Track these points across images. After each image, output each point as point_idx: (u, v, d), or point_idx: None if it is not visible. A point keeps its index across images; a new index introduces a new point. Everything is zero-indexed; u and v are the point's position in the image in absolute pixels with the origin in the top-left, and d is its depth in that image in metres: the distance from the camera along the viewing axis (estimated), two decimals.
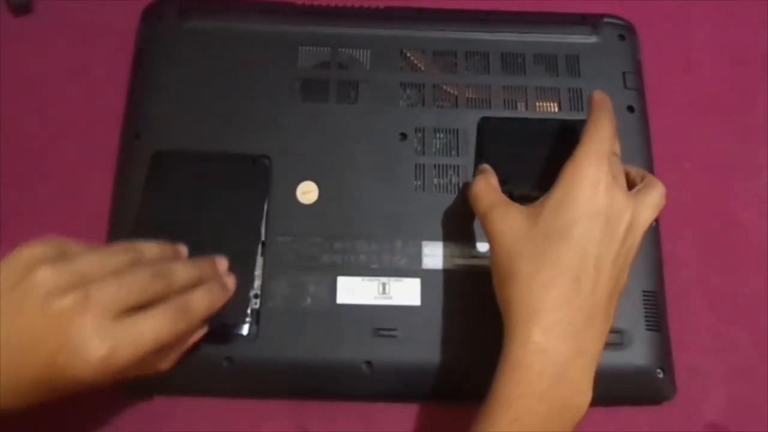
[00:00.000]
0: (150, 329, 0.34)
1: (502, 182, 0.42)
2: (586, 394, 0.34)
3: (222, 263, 0.41)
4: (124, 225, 0.43)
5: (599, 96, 0.41)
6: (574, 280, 0.35)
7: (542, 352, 0.34)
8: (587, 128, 0.38)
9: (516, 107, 0.48)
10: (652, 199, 0.38)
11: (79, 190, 0.47)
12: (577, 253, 0.35)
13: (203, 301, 0.37)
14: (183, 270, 0.37)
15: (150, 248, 0.38)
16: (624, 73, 0.49)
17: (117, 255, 0.35)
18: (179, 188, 0.44)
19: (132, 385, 0.40)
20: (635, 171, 0.41)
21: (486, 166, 0.43)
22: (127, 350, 0.32)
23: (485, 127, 0.46)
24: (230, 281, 0.40)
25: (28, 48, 0.51)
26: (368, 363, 0.41)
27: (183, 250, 0.40)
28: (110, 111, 0.48)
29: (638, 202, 0.37)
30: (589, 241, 0.35)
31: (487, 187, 0.40)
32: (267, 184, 0.44)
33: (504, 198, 0.40)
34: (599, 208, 0.36)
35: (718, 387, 0.45)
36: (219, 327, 0.40)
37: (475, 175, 0.43)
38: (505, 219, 0.38)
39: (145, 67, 0.48)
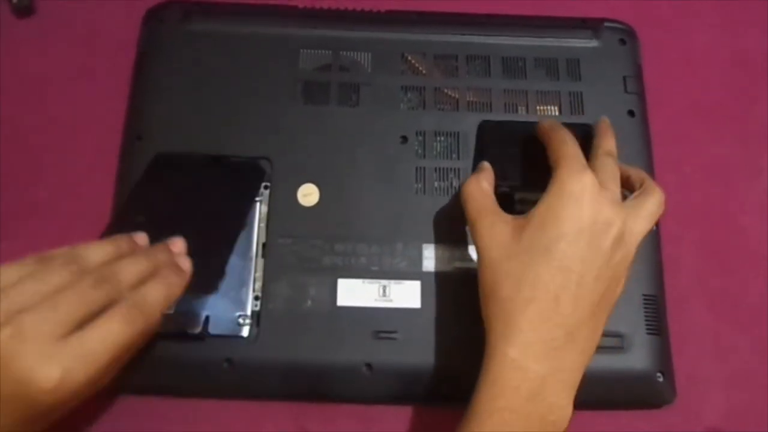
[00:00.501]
0: (102, 338, 0.32)
1: (502, 178, 0.42)
2: (565, 410, 0.35)
3: (177, 244, 0.38)
4: None
5: (545, 123, 0.41)
6: (554, 299, 0.35)
7: (519, 369, 0.34)
8: (554, 155, 0.38)
9: (517, 111, 0.48)
10: (648, 209, 0.38)
11: (80, 190, 0.47)
12: (559, 271, 0.35)
13: (159, 293, 0.35)
14: (130, 266, 0.35)
15: (94, 250, 0.36)
16: (624, 77, 0.49)
17: (54, 272, 0.33)
18: (167, 186, 0.44)
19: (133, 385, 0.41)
20: (636, 175, 0.41)
21: (485, 164, 0.42)
22: (83, 366, 0.32)
23: (485, 130, 0.47)
24: (185, 262, 0.38)
25: (30, 50, 0.51)
26: (368, 365, 0.41)
27: (141, 238, 0.38)
28: (112, 112, 0.48)
29: (631, 212, 0.37)
30: (572, 259, 0.35)
31: (478, 190, 0.40)
32: (259, 184, 0.44)
33: (493, 206, 0.39)
34: (583, 225, 0.35)
35: (718, 391, 0.44)
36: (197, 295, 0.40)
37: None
38: (492, 230, 0.38)
39: (147, 70, 0.48)
